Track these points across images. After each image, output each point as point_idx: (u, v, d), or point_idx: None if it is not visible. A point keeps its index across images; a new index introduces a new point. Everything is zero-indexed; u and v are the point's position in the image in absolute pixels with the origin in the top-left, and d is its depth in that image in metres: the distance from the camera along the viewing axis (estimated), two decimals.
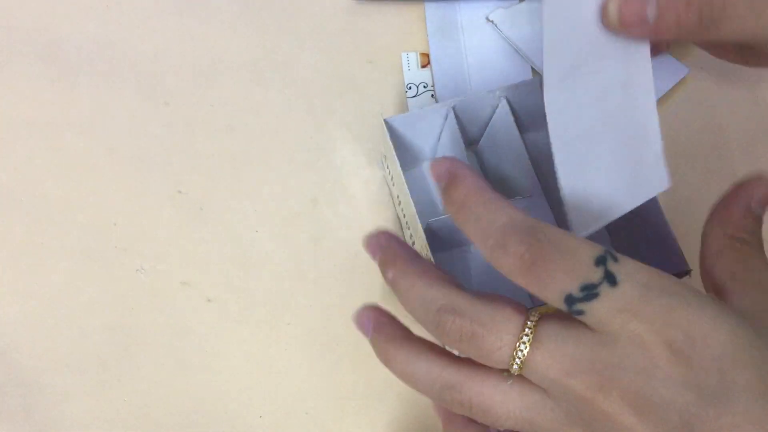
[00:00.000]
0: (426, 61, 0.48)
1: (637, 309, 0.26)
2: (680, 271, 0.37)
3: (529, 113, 0.43)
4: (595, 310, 0.26)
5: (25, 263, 0.43)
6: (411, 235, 0.41)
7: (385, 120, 0.40)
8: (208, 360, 0.42)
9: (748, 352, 0.25)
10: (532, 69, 0.48)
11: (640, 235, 0.41)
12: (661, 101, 0.47)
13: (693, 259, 0.38)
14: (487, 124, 0.43)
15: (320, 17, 0.49)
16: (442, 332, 0.29)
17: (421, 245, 0.38)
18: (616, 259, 0.27)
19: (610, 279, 0.27)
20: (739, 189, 0.33)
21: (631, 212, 0.41)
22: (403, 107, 0.47)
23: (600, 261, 0.27)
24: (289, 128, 0.46)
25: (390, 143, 0.39)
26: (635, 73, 0.34)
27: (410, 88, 0.47)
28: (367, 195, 0.45)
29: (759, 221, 0.32)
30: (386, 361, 0.31)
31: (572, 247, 0.27)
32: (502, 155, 0.42)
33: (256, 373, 0.42)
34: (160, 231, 0.44)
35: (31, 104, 0.46)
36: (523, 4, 0.49)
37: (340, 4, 0.49)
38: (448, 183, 0.31)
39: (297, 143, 0.46)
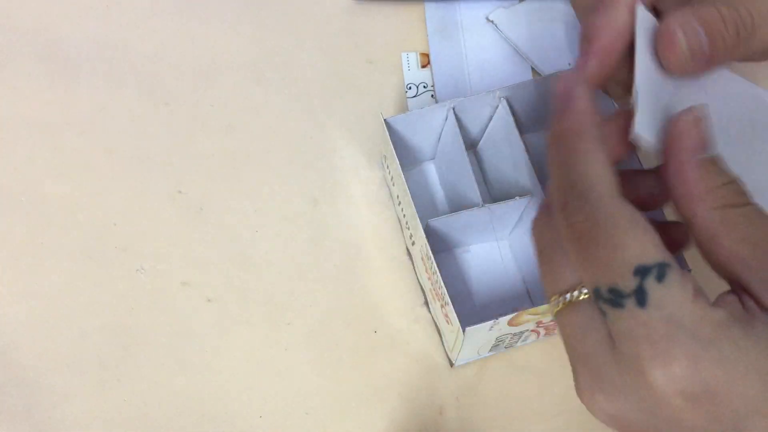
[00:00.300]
0: (426, 61, 0.48)
1: (659, 346, 0.24)
2: None
3: (529, 113, 0.43)
4: (616, 320, 0.25)
5: (25, 263, 0.43)
6: (411, 235, 0.41)
7: (385, 120, 0.40)
8: (208, 360, 0.42)
9: None
10: (532, 69, 0.48)
11: None
12: None
13: (693, 260, 0.38)
14: (487, 125, 0.43)
15: (320, 17, 0.49)
16: (565, 216, 0.27)
17: (421, 245, 0.38)
18: (661, 278, 0.24)
19: (640, 297, 0.24)
20: (681, 145, 0.28)
21: None
22: (403, 107, 0.47)
23: (640, 272, 0.24)
24: (289, 128, 0.46)
25: (390, 143, 0.39)
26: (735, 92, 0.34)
27: (410, 88, 0.47)
28: (367, 195, 0.45)
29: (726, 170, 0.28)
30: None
31: (624, 241, 0.25)
32: (502, 155, 0.42)
33: (256, 373, 0.42)
34: (160, 231, 0.44)
35: (31, 104, 0.46)
36: (523, 4, 0.49)
37: (340, 4, 0.49)
38: (558, 108, 0.28)
39: (297, 143, 0.46)
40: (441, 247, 0.42)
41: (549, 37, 0.48)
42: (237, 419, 0.41)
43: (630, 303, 0.24)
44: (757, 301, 0.25)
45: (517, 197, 0.39)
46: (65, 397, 0.41)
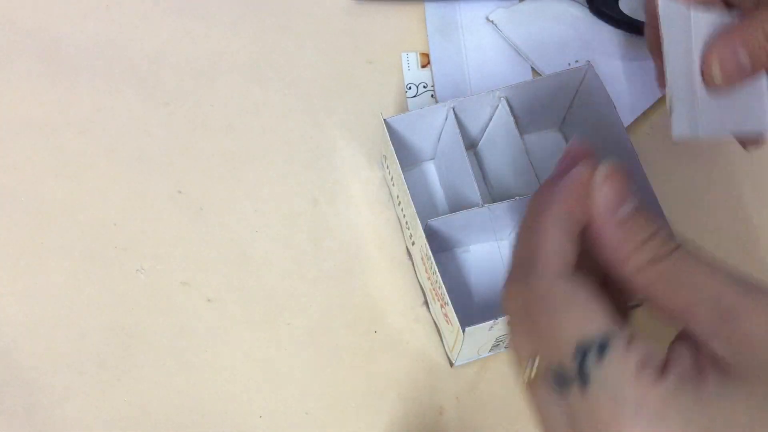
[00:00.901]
0: (426, 61, 0.48)
1: (601, 422, 0.23)
2: None
3: (529, 113, 0.43)
4: (566, 401, 0.24)
5: (25, 263, 0.43)
6: (411, 235, 0.41)
7: (385, 120, 0.40)
8: (208, 360, 0.42)
9: None
10: (532, 69, 0.48)
11: None
12: (661, 101, 0.47)
13: None
14: (487, 125, 0.43)
15: (320, 17, 0.49)
16: (513, 287, 0.27)
17: (420, 245, 0.38)
18: (601, 353, 0.23)
19: (583, 378, 0.23)
20: (597, 209, 0.27)
21: None
22: (403, 107, 0.47)
23: (580, 351, 0.24)
24: (289, 128, 0.46)
25: (390, 143, 0.39)
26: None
27: (410, 88, 0.47)
28: (367, 195, 0.45)
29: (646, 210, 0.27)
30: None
31: (563, 320, 0.24)
32: (502, 155, 0.42)
33: (256, 373, 0.42)
34: (160, 231, 0.44)
35: (31, 104, 0.46)
36: (523, 4, 0.49)
37: (340, 4, 0.49)
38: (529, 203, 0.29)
39: (297, 143, 0.46)
40: (441, 247, 0.42)
41: (549, 37, 0.48)
42: (237, 419, 0.41)
43: (574, 385, 0.24)
44: (708, 352, 0.24)
45: (517, 197, 0.39)
46: (65, 397, 0.41)
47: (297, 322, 0.43)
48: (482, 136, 0.44)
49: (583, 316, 0.24)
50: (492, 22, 0.49)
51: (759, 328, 0.24)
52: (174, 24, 0.48)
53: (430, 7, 0.49)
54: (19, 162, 0.45)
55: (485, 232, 0.42)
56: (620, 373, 0.23)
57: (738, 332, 0.24)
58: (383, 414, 0.41)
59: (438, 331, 0.42)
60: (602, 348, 0.23)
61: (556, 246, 0.26)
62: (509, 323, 0.27)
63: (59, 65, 0.47)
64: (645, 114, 0.47)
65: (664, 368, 0.24)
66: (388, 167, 0.43)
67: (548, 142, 0.46)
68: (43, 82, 0.47)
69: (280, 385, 0.41)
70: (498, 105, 0.41)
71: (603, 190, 0.27)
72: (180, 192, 0.45)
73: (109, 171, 0.45)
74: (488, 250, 0.43)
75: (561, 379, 0.24)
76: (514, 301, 0.26)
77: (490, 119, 0.42)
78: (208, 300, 0.43)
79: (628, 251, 0.26)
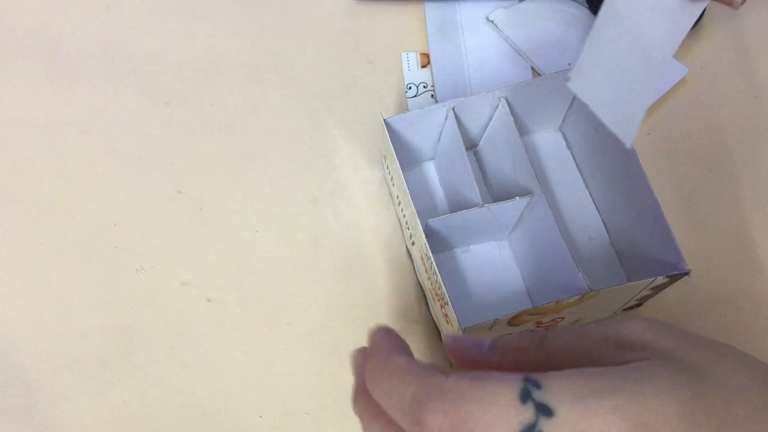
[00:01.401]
0: (426, 61, 0.48)
1: (585, 426, 0.24)
2: (680, 272, 0.37)
3: (528, 113, 0.43)
4: None
5: (25, 263, 0.43)
6: (411, 236, 0.41)
7: (384, 120, 0.40)
8: (208, 360, 0.42)
9: (695, 404, 0.24)
10: (532, 69, 0.48)
11: (640, 235, 0.41)
12: (661, 101, 0.47)
13: (693, 260, 0.38)
14: (486, 125, 0.43)
15: (320, 17, 0.49)
16: (425, 421, 0.26)
17: (420, 245, 0.38)
18: (538, 386, 0.24)
19: (545, 411, 0.24)
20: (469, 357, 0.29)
21: (631, 212, 0.41)
22: (403, 107, 0.47)
23: (524, 396, 0.24)
24: (289, 128, 0.46)
25: (390, 143, 0.39)
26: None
27: (410, 88, 0.47)
28: (367, 195, 0.45)
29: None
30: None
31: (490, 395, 0.25)
32: (502, 155, 0.42)
33: (256, 373, 0.42)
34: (160, 231, 0.44)
35: (31, 104, 0.46)
36: (523, 4, 0.49)
37: (340, 5, 0.49)
38: (365, 361, 0.29)
39: (297, 143, 0.46)
40: (441, 247, 0.42)
41: (549, 37, 0.48)
42: (237, 419, 0.41)
43: (543, 423, 0.24)
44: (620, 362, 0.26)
45: (517, 197, 0.39)
46: (65, 397, 0.41)
47: (297, 321, 0.43)
48: (482, 136, 0.44)
49: (501, 379, 0.25)
50: (492, 22, 0.49)
51: (650, 331, 0.27)
52: (174, 24, 0.48)
53: (430, 7, 0.49)
54: (19, 162, 0.45)
55: (485, 232, 0.42)
56: (565, 383, 0.24)
57: (639, 338, 0.27)
58: None
59: (438, 331, 0.42)
60: (535, 382, 0.25)
61: (423, 367, 0.27)
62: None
63: (59, 65, 0.47)
64: (645, 114, 0.47)
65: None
66: (388, 167, 0.43)
67: (548, 142, 0.46)
68: (43, 82, 0.47)
69: (280, 385, 0.41)
70: (498, 105, 0.41)
71: (462, 344, 0.29)
72: (180, 192, 0.45)
73: (109, 171, 0.45)
74: (488, 250, 0.43)
75: (530, 429, 0.24)
76: (435, 428, 0.26)
77: (490, 119, 0.42)
78: (208, 300, 0.43)
79: (512, 362, 0.28)
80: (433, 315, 0.42)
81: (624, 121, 0.37)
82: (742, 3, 0.36)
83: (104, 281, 0.43)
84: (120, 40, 0.48)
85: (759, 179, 0.46)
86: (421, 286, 0.43)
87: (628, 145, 0.36)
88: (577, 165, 0.45)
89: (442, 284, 0.36)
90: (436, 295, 0.39)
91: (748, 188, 0.46)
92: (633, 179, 0.40)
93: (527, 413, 0.24)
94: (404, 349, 0.29)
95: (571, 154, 0.45)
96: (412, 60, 0.48)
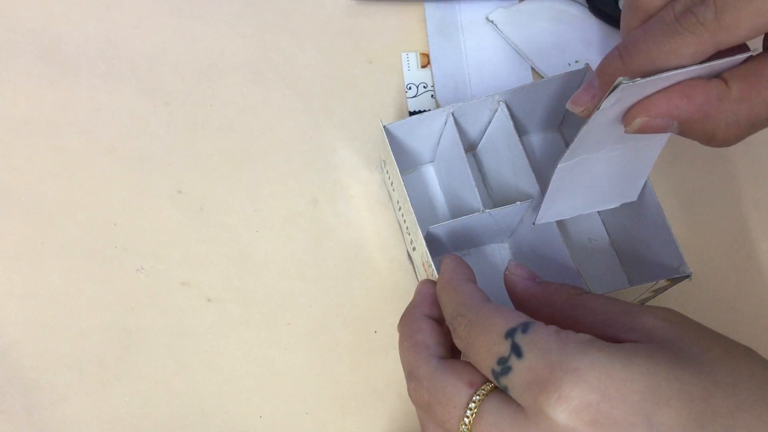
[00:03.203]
0: (426, 61, 0.48)
1: (545, 379, 0.26)
2: (681, 276, 0.37)
3: (527, 117, 0.43)
4: (512, 384, 0.27)
5: (25, 263, 0.43)
6: (411, 241, 0.41)
7: (384, 127, 0.40)
8: (208, 360, 0.42)
9: (668, 386, 0.25)
10: (532, 69, 0.48)
11: (640, 236, 0.41)
12: None
13: (693, 261, 0.38)
14: (485, 128, 0.43)
15: (320, 17, 0.49)
16: (410, 397, 0.31)
17: (421, 251, 0.38)
18: (525, 330, 0.28)
19: (516, 351, 0.27)
20: (518, 291, 0.34)
21: (631, 212, 0.41)
22: (403, 107, 0.47)
23: (509, 333, 0.28)
24: (289, 128, 0.46)
25: (389, 150, 0.39)
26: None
27: (410, 88, 0.47)
28: (367, 195, 0.45)
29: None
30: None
31: (492, 322, 0.29)
32: (502, 159, 0.42)
33: (256, 373, 0.42)
34: (160, 231, 0.44)
35: (31, 104, 0.46)
36: (523, 4, 0.49)
37: (340, 5, 0.49)
38: (439, 274, 0.34)
39: (297, 143, 0.46)
40: (442, 251, 0.42)
41: (549, 37, 0.48)
42: (237, 419, 0.41)
43: (513, 360, 0.27)
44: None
45: (518, 202, 0.39)
46: (65, 397, 0.41)
47: (297, 322, 0.43)
48: (481, 139, 0.44)
49: (507, 314, 0.29)
50: (492, 22, 0.49)
51: (666, 322, 0.29)
52: (174, 24, 0.48)
53: (430, 7, 0.49)
54: (19, 162, 0.45)
55: (486, 236, 0.42)
56: (544, 335, 0.27)
57: (653, 325, 0.28)
58: (383, 414, 0.41)
59: None
60: (525, 326, 0.28)
61: (473, 290, 0.32)
62: (432, 406, 0.30)
63: (59, 65, 0.47)
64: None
65: None
66: (387, 172, 0.43)
67: (548, 144, 0.46)
68: (43, 82, 0.47)
69: (280, 385, 0.42)
70: (497, 109, 0.41)
71: (520, 277, 0.34)
72: (180, 192, 0.45)
73: (109, 171, 0.45)
74: (489, 254, 0.43)
75: (503, 365, 0.27)
76: (458, 337, 0.30)
77: (489, 123, 0.42)
78: (208, 300, 0.43)
79: (547, 296, 0.33)
80: None
81: (622, 190, 0.39)
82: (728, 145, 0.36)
83: (104, 281, 0.43)
84: (120, 40, 0.48)
85: (759, 180, 0.46)
86: None
87: (634, 198, 0.39)
88: None
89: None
90: None
91: (749, 189, 0.46)
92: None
93: (505, 347, 0.28)
94: (470, 276, 0.34)
95: None
96: (412, 60, 0.48)
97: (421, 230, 0.38)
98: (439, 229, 0.39)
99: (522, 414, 0.27)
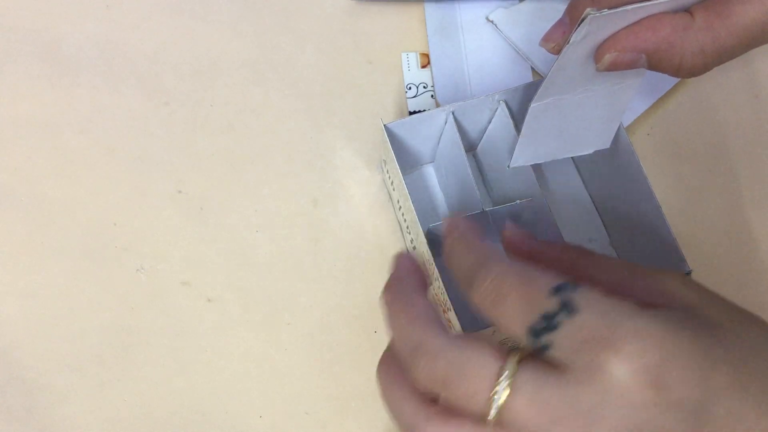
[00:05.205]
0: (426, 62, 0.48)
1: (600, 337, 0.25)
2: (680, 272, 0.37)
3: None
4: (560, 342, 0.26)
5: (25, 263, 0.43)
6: (412, 240, 0.41)
7: (385, 125, 0.40)
8: (208, 360, 0.42)
9: (714, 351, 0.25)
10: (532, 69, 0.48)
11: (639, 235, 0.41)
12: (661, 101, 0.47)
13: (693, 260, 0.38)
14: (486, 128, 0.43)
15: (320, 17, 0.49)
16: (414, 375, 0.28)
17: (422, 250, 0.38)
18: (574, 288, 0.26)
19: (568, 307, 0.26)
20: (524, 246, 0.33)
21: (631, 212, 0.41)
22: (403, 107, 0.47)
23: (557, 290, 0.26)
24: (289, 128, 0.46)
25: (390, 149, 0.39)
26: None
27: (410, 88, 0.47)
28: (367, 195, 0.45)
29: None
30: (378, 371, 0.32)
31: (531, 277, 0.27)
32: (502, 158, 0.42)
33: (256, 373, 0.42)
34: (160, 231, 0.44)
35: (31, 104, 0.46)
36: (523, 4, 0.49)
37: (340, 5, 0.49)
38: (446, 232, 0.32)
39: (297, 143, 0.46)
40: (442, 250, 0.42)
41: None
42: (237, 419, 0.41)
43: (563, 317, 0.26)
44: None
45: (517, 200, 0.39)
46: (65, 397, 0.41)
47: (297, 322, 0.43)
48: (481, 139, 0.44)
49: (547, 271, 0.27)
50: (492, 22, 0.49)
51: (683, 285, 0.29)
52: (174, 24, 0.48)
53: (430, 7, 0.49)
54: (19, 162, 0.45)
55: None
56: (596, 295, 0.26)
57: (671, 290, 0.28)
58: (383, 414, 0.41)
59: None
60: (574, 285, 0.26)
61: (494, 246, 0.30)
62: (451, 389, 0.28)
63: (59, 65, 0.47)
64: (645, 114, 0.47)
65: None
66: (388, 171, 0.43)
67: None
68: (43, 82, 0.47)
69: (280, 385, 0.42)
70: (497, 108, 0.41)
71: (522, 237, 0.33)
72: (180, 192, 0.45)
73: (109, 171, 0.45)
74: None
75: (549, 321, 0.26)
76: (481, 298, 0.28)
77: (489, 122, 0.42)
78: (208, 300, 0.43)
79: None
80: None
81: (596, 135, 0.39)
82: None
83: (104, 281, 0.43)
84: (120, 40, 0.48)
85: (759, 179, 0.46)
86: None
87: (606, 145, 0.39)
88: (576, 165, 0.45)
89: (444, 290, 0.36)
90: (438, 300, 0.39)
91: (748, 188, 0.46)
92: (633, 179, 0.40)
93: (552, 303, 0.26)
94: (484, 235, 0.32)
95: None
96: (412, 60, 0.48)
97: (422, 228, 0.38)
98: (440, 227, 0.39)
99: (567, 376, 0.25)
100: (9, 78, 0.47)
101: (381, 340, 0.42)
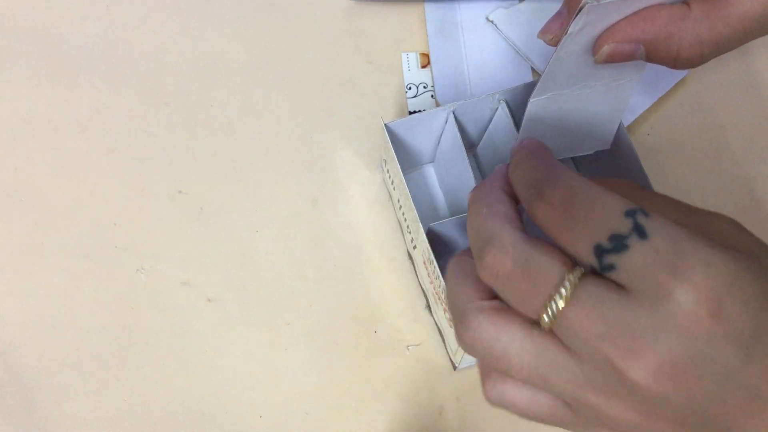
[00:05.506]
0: (426, 62, 0.48)
1: (670, 263, 0.25)
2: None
3: None
4: (626, 264, 0.25)
5: (25, 263, 0.43)
6: (412, 239, 0.41)
7: (385, 125, 0.40)
8: (208, 360, 0.42)
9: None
10: (532, 69, 0.48)
11: None
12: (661, 101, 0.47)
13: None
14: (486, 127, 0.43)
15: (320, 18, 0.49)
16: (480, 266, 0.28)
17: (423, 249, 0.38)
18: (646, 215, 0.26)
19: (640, 231, 0.25)
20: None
21: None
22: (403, 107, 0.47)
23: (630, 213, 0.26)
24: (289, 128, 0.46)
25: (391, 148, 0.39)
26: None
27: (410, 88, 0.47)
28: (367, 195, 0.45)
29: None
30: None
31: (603, 198, 0.27)
32: (502, 157, 0.42)
33: (256, 373, 0.42)
34: (160, 231, 0.44)
35: (31, 104, 0.46)
36: (523, 4, 0.49)
37: (340, 5, 0.49)
38: (514, 152, 0.32)
39: (297, 143, 0.46)
40: (442, 249, 0.42)
41: None
42: (237, 419, 0.41)
43: (633, 240, 0.25)
44: None
45: None
46: (65, 397, 0.41)
47: (297, 322, 0.43)
48: (481, 138, 0.44)
49: (619, 196, 0.27)
50: (492, 22, 0.49)
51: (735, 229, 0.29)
52: (174, 24, 0.48)
53: (430, 7, 0.49)
54: (19, 162, 0.45)
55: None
56: (669, 223, 0.26)
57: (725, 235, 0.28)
58: (383, 414, 0.41)
59: (440, 333, 0.42)
60: (644, 211, 0.26)
61: (566, 166, 0.29)
62: (509, 289, 0.28)
63: (59, 65, 0.47)
64: (645, 114, 0.47)
65: None
66: (388, 171, 0.43)
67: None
68: (43, 82, 0.47)
69: (280, 385, 0.42)
70: (497, 108, 0.41)
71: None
72: (180, 192, 0.45)
73: (109, 171, 0.45)
74: None
75: (618, 242, 0.25)
76: (544, 212, 0.28)
77: (490, 121, 0.42)
78: (208, 300, 0.43)
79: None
80: (435, 318, 0.42)
81: (597, 132, 0.39)
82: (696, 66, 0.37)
83: (104, 281, 0.43)
84: (120, 40, 0.48)
85: (759, 179, 0.46)
86: (422, 289, 0.43)
87: (607, 145, 0.38)
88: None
89: (444, 289, 0.36)
90: (439, 298, 0.39)
91: (749, 188, 0.46)
92: (633, 179, 0.40)
93: (624, 225, 0.26)
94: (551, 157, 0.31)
95: None
96: (412, 60, 0.48)
97: (423, 227, 0.38)
98: (441, 226, 0.39)
99: (630, 297, 0.25)
100: (9, 78, 0.47)
101: (381, 340, 0.42)
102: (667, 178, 0.45)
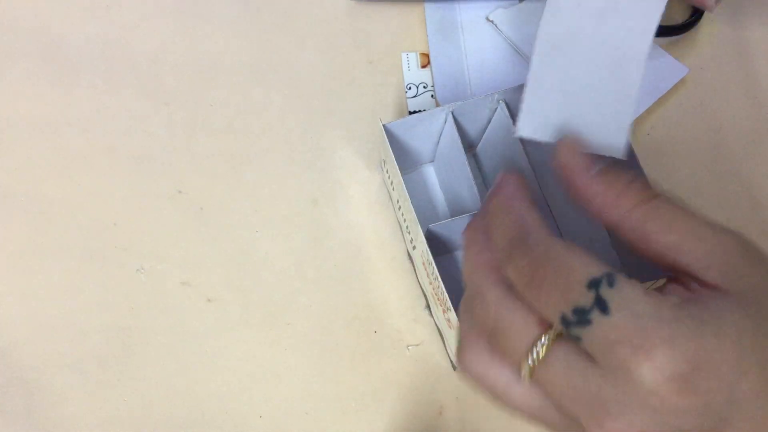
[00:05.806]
0: (426, 61, 0.48)
1: (636, 344, 0.25)
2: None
3: None
4: (590, 338, 0.25)
5: (25, 263, 0.43)
6: (412, 240, 0.41)
7: (384, 126, 0.40)
8: (209, 360, 0.42)
9: (751, 356, 0.25)
10: None
11: None
12: (661, 101, 0.47)
13: None
14: (485, 127, 0.43)
15: (320, 18, 0.49)
16: (471, 313, 0.29)
17: (422, 250, 0.38)
18: (611, 284, 0.26)
19: (602, 306, 0.25)
20: (574, 170, 0.31)
21: None
22: (403, 107, 0.47)
23: (593, 284, 0.26)
24: (289, 128, 0.46)
25: (389, 149, 0.39)
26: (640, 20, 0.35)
27: (410, 88, 0.47)
28: (367, 195, 0.45)
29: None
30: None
31: (570, 265, 0.27)
32: (501, 158, 0.42)
33: (256, 373, 0.42)
34: (160, 231, 0.44)
35: (31, 104, 0.46)
36: (523, 4, 0.49)
37: (340, 4, 0.49)
38: (492, 192, 0.32)
39: (297, 143, 0.46)
40: (442, 250, 0.42)
41: None
42: (237, 419, 0.41)
43: (595, 315, 0.25)
44: (700, 281, 0.27)
45: None
46: (65, 397, 0.41)
47: (297, 322, 0.43)
48: (481, 139, 0.44)
49: (586, 259, 0.27)
50: (492, 22, 0.49)
51: (743, 259, 0.28)
52: (174, 24, 0.48)
53: (430, 7, 0.49)
54: (19, 162, 0.45)
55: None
56: (633, 294, 0.25)
57: (729, 263, 0.27)
58: (383, 414, 0.41)
59: (440, 334, 0.42)
60: (611, 279, 0.26)
61: (540, 221, 0.29)
62: (494, 335, 0.29)
63: (59, 65, 0.47)
64: (645, 114, 0.47)
65: (663, 293, 0.27)
66: (387, 171, 0.43)
67: (547, 143, 0.46)
68: (43, 82, 0.47)
69: (280, 385, 0.42)
70: (497, 108, 0.41)
71: (576, 155, 0.31)
72: (180, 192, 0.45)
73: (109, 171, 0.45)
74: None
75: (581, 316, 0.25)
76: (517, 277, 0.28)
77: (489, 122, 0.42)
78: (208, 300, 0.43)
79: (614, 197, 0.29)
80: (435, 319, 0.42)
81: (607, 133, 0.37)
82: (717, 4, 0.36)
83: (104, 281, 0.43)
84: (120, 40, 0.48)
85: (759, 179, 0.46)
86: (422, 289, 0.43)
87: (621, 155, 0.37)
88: None
89: (444, 290, 0.36)
90: (438, 299, 0.39)
91: (748, 188, 0.46)
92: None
93: (586, 299, 0.26)
94: (533, 202, 0.31)
95: None
96: (412, 60, 0.48)
97: (422, 228, 0.38)
98: (440, 227, 0.39)
99: (596, 368, 0.26)
100: (9, 78, 0.47)
101: (381, 340, 0.42)
102: (667, 178, 0.45)
